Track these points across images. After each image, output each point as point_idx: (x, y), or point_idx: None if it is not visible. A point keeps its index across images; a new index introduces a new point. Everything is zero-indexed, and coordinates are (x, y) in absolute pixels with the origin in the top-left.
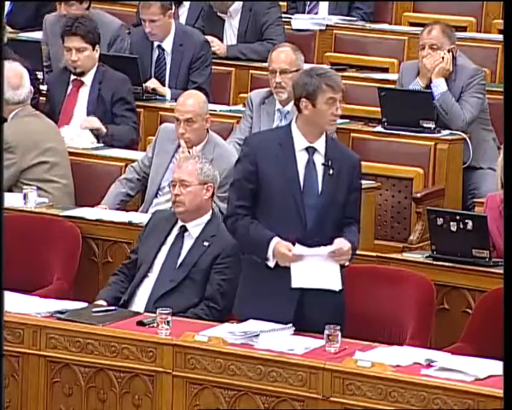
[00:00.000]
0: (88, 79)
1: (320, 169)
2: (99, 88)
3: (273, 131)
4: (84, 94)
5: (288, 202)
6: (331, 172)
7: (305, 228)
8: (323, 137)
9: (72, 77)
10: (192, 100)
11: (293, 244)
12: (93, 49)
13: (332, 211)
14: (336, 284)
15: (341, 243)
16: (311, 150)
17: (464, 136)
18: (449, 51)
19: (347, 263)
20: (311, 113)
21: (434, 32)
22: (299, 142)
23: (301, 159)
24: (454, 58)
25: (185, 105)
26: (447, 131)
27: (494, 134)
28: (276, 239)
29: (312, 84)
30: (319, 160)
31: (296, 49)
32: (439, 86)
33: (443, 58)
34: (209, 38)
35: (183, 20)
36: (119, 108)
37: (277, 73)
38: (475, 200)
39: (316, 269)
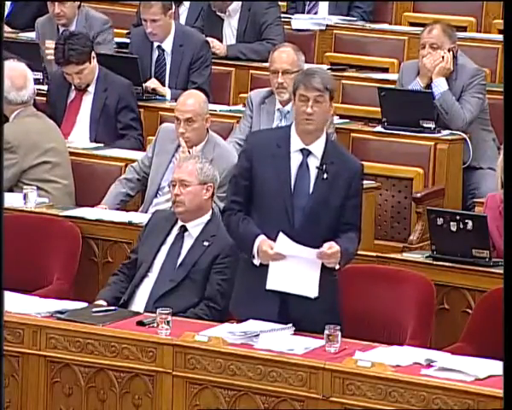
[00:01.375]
0: (91, 86)
1: (314, 172)
2: (105, 96)
3: (274, 131)
4: (87, 102)
5: (278, 202)
6: (325, 176)
7: (293, 228)
8: (323, 140)
9: None
10: (192, 100)
11: (276, 237)
12: (90, 62)
13: (322, 214)
14: (312, 292)
15: (327, 246)
16: (305, 152)
17: (464, 136)
18: (449, 51)
19: (337, 266)
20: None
21: (435, 31)
22: (295, 143)
23: (295, 160)
24: (455, 57)
25: (185, 105)
26: (447, 131)
27: (494, 134)
28: (261, 237)
29: (296, 81)
30: (314, 162)
31: (297, 50)
32: (440, 86)
33: (443, 57)
34: (209, 39)
35: (182, 19)
36: (125, 117)
37: (279, 74)
38: (475, 200)
39: (294, 273)
